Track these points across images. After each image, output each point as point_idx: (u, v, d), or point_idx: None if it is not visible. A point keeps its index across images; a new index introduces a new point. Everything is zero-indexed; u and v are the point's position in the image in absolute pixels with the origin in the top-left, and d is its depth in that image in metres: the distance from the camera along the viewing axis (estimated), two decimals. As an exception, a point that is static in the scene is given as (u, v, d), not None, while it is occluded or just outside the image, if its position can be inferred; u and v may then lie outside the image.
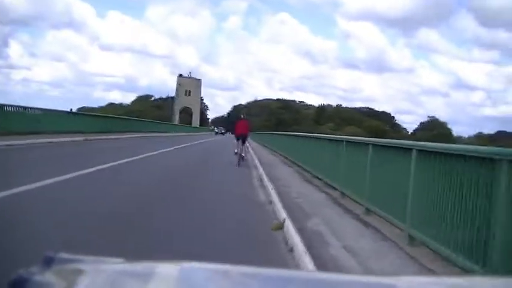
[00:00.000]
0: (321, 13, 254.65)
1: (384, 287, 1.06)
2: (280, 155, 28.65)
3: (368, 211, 8.98)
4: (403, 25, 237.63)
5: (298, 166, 19.69)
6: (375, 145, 9.44)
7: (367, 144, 9.86)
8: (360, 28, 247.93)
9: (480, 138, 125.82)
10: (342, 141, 12.43)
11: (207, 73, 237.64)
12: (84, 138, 28.70)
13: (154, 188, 11.85)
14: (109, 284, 0.92)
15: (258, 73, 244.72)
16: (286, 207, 9.24)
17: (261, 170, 17.31)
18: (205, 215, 8.72)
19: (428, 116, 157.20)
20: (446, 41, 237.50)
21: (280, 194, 11.05)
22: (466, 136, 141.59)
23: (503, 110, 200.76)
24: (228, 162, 21.27)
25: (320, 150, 15.60)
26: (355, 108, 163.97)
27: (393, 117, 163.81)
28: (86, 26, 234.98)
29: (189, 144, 38.91)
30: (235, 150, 21.98)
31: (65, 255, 1.01)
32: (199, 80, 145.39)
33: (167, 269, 1.00)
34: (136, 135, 41.06)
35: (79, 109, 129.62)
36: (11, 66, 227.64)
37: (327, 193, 12.15)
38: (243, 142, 22.03)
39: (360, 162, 10.10)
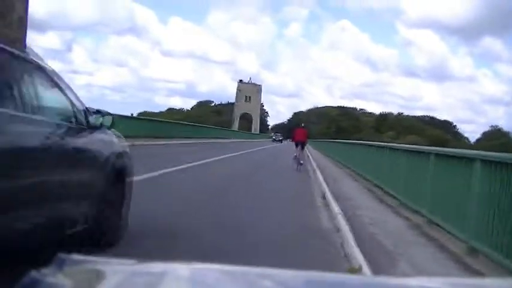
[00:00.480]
0: (382, 20, 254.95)
1: None
2: (344, 165, 25.82)
3: (473, 251, 6.59)
4: (464, 33, 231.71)
5: (366, 180, 17.29)
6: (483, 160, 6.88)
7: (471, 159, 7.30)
8: (420, 36, 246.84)
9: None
10: (429, 153, 9.91)
11: (267, 80, 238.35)
12: (131, 143, 26.69)
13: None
14: (121, 285, 0.93)
15: (318, 80, 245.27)
16: (359, 240, 7.03)
17: (323, 184, 15.03)
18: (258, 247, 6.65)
19: (491, 126, 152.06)
20: (509, 50, 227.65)
21: (349, 219, 8.85)
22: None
23: None
24: (286, 177, 19.34)
25: (395, 162, 13.22)
26: (416, 117, 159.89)
27: (455, 126, 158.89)
28: (148, 32, 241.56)
29: (246, 151, 37.72)
30: (295, 154, 23.41)
31: (76, 256, 1.01)
32: (259, 86, 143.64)
33: (179, 270, 1.00)
34: (192, 142, 39.56)
35: (140, 114, 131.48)
36: (75, 71, 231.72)
37: (407, 218, 9.76)
38: (302, 148, 23.94)
39: (460, 179, 7.73)
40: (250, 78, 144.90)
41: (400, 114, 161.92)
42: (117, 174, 5.75)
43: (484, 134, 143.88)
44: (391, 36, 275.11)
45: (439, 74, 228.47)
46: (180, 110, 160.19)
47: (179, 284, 0.94)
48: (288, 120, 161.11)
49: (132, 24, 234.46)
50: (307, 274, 1.09)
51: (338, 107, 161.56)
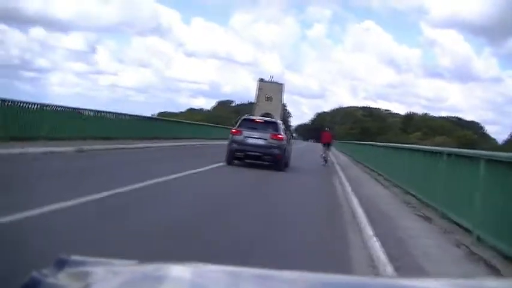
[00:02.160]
0: (406, 21, 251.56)
1: None
2: (379, 174, 21.67)
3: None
4: (489, 33, 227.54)
5: (408, 193, 14.64)
6: None
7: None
8: (444, 36, 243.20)
9: None
10: (480, 159, 8.09)
11: (290, 80, 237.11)
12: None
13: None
14: (121, 286, 0.94)
15: (341, 81, 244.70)
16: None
17: (359, 210, 11.37)
18: None
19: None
20: None
21: (391, 259, 6.50)
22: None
23: None
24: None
25: (439, 170, 11.28)
26: (442, 117, 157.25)
27: (482, 127, 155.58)
28: (171, 33, 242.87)
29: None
30: (321, 154, 30.24)
31: (77, 257, 1.03)
32: (281, 85, 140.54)
33: (180, 271, 1.02)
34: (180, 144, 34.47)
35: (160, 114, 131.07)
36: (99, 72, 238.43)
37: (462, 244, 7.72)
38: (328, 148, 30.47)
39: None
40: (271, 77, 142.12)
41: (425, 114, 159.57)
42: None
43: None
44: (415, 37, 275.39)
45: (463, 75, 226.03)
46: (201, 110, 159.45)
47: (180, 285, 0.94)
48: (311, 120, 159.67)
49: (156, 25, 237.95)
50: (308, 275, 1.10)
51: (363, 107, 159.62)
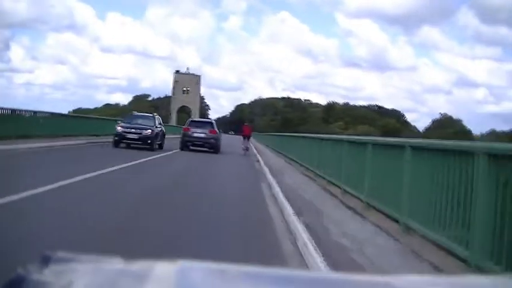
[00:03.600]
0: (321, 11, 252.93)
1: (381, 286, 1.10)
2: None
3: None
4: (403, 23, 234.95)
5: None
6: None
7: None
8: (360, 26, 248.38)
9: (497, 136, 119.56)
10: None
11: (208, 73, 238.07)
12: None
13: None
14: (107, 283, 0.95)
15: (259, 73, 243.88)
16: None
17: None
18: None
19: (440, 113, 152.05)
20: (448, 39, 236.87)
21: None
22: (478, 134, 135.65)
23: (506, 107, 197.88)
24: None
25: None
26: (364, 106, 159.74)
27: (403, 115, 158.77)
28: (86, 28, 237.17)
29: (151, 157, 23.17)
30: (242, 146, 35.13)
31: (62, 254, 1.03)
32: (198, 76, 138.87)
33: (165, 268, 1.02)
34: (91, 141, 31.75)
35: (74, 111, 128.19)
36: (13, 70, 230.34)
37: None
38: (248, 139, 35.90)
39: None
40: (188, 68, 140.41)
41: (346, 104, 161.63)
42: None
43: (434, 122, 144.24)
44: (331, 27, 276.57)
45: (380, 64, 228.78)
46: (117, 106, 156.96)
47: (165, 282, 0.95)
48: (230, 113, 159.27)
49: (71, 21, 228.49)
50: (298, 272, 1.13)
51: (283, 98, 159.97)
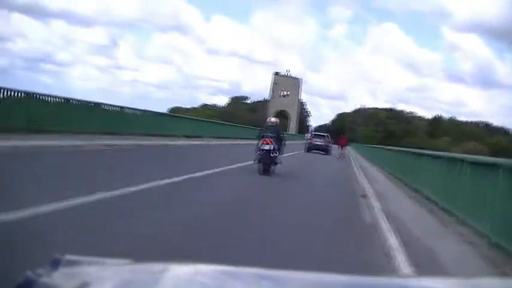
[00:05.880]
0: (427, 23, 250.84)
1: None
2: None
3: None
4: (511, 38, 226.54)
5: None
6: None
7: None
8: (466, 40, 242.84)
9: None
10: None
11: (310, 80, 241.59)
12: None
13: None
14: (117, 286, 0.96)
15: (362, 83, 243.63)
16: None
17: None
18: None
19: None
20: None
21: None
22: None
23: None
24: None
25: None
26: (471, 122, 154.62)
27: (508, 132, 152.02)
28: (192, 30, 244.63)
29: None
30: (337, 155, 44.43)
31: (72, 257, 1.05)
32: (298, 79, 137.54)
33: (176, 271, 1.03)
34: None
35: (171, 110, 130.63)
36: (119, 67, 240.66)
37: None
38: (343, 148, 46.26)
39: None
40: (288, 71, 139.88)
41: (453, 118, 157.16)
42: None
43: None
44: (436, 40, 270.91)
45: (485, 80, 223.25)
46: (214, 106, 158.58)
47: (176, 284, 0.97)
48: (332, 121, 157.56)
49: (177, 22, 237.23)
50: (309, 275, 1.14)
51: (386, 109, 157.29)
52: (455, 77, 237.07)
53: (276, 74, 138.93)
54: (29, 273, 0.93)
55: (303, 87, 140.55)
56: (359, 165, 36.48)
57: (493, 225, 9.31)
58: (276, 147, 17.95)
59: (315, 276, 1.13)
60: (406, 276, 1.78)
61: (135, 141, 23.29)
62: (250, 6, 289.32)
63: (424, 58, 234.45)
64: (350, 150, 64.46)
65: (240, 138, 52.63)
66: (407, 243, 8.42)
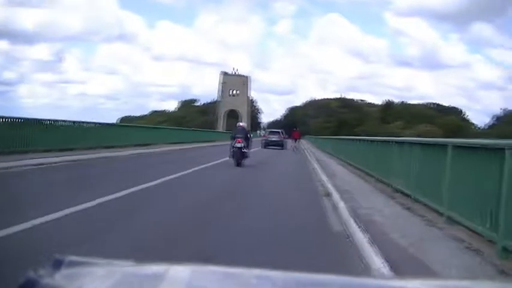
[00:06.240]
0: (370, 11, 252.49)
1: None
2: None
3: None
4: (455, 19, 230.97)
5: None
6: None
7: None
8: (410, 24, 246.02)
9: None
10: None
11: (260, 78, 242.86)
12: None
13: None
14: (118, 287, 0.97)
15: (311, 75, 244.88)
16: None
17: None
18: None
19: (502, 109, 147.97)
20: (501, 34, 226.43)
21: None
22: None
23: None
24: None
25: None
26: (421, 105, 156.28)
27: (462, 112, 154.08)
28: (137, 38, 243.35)
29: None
30: (292, 145, 49.03)
31: (74, 257, 1.05)
32: (246, 77, 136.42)
33: (177, 272, 1.04)
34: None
35: (122, 119, 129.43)
36: (67, 81, 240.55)
37: None
38: (297, 141, 50.05)
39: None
40: (236, 69, 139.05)
41: (403, 102, 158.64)
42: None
43: (499, 118, 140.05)
44: (381, 27, 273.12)
45: (432, 62, 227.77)
46: (163, 112, 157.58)
47: (178, 286, 0.97)
48: (283, 116, 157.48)
49: (122, 31, 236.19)
50: (310, 276, 1.15)
51: (336, 98, 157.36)
52: (403, 62, 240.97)
53: (224, 73, 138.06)
54: (31, 274, 0.93)
55: (253, 85, 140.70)
56: (310, 151, 48.18)
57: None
58: (245, 144, 22.94)
59: (311, 277, 1.14)
60: (404, 277, 1.21)
61: (72, 157, 21.53)
62: (194, 9, 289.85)
63: (371, 45, 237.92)
64: (304, 143, 68.40)
65: (193, 142, 51.58)
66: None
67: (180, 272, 1.03)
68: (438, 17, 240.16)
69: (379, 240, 7.54)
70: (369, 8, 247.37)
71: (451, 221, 9.26)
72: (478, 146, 8.91)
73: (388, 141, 17.09)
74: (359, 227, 8.72)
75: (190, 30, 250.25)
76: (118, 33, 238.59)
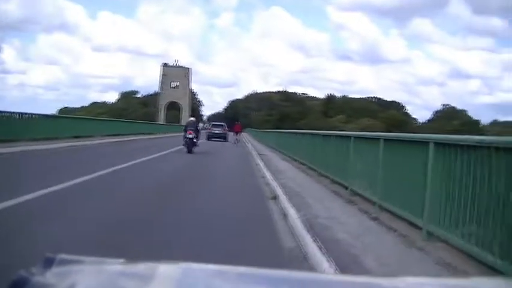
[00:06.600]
0: (312, 5, 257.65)
1: None
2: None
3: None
4: (395, 15, 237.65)
5: None
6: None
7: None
8: (352, 19, 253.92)
9: (503, 127, 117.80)
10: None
11: (202, 71, 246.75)
12: None
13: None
14: (109, 285, 0.98)
15: (253, 68, 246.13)
16: None
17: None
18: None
19: (443, 104, 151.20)
20: (440, 30, 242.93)
21: None
22: (485, 124, 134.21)
23: (500, 97, 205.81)
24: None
25: None
26: (362, 99, 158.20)
27: (403, 106, 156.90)
28: (78, 28, 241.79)
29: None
30: (235, 137, 51.09)
31: (65, 256, 1.05)
32: (187, 69, 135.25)
33: (167, 270, 1.05)
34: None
35: (60, 111, 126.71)
36: (6, 72, 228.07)
37: None
38: (238, 134, 52.37)
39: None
40: (177, 61, 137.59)
41: (345, 96, 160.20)
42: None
43: (438, 113, 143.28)
44: (323, 21, 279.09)
45: (373, 57, 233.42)
46: (103, 103, 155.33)
47: (168, 283, 0.98)
48: (224, 109, 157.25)
49: (62, 21, 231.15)
50: (298, 274, 1.15)
51: (278, 91, 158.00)
52: (344, 56, 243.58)
53: (165, 65, 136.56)
54: (22, 272, 0.94)
55: (194, 77, 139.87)
56: (252, 144, 50.25)
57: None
58: (195, 135, 28.06)
59: (307, 276, 1.13)
60: (402, 276, 1.02)
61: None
62: (136, 0, 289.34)
63: (313, 39, 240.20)
64: (245, 136, 71.57)
65: (134, 134, 50.50)
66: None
67: (170, 270, 1.03)
68: (379, 13, 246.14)
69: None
70: (311, 2, 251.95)
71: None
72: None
73: (343, 136, 15.65)
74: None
75: (132, 21, 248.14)
76: (58, 23, 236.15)
